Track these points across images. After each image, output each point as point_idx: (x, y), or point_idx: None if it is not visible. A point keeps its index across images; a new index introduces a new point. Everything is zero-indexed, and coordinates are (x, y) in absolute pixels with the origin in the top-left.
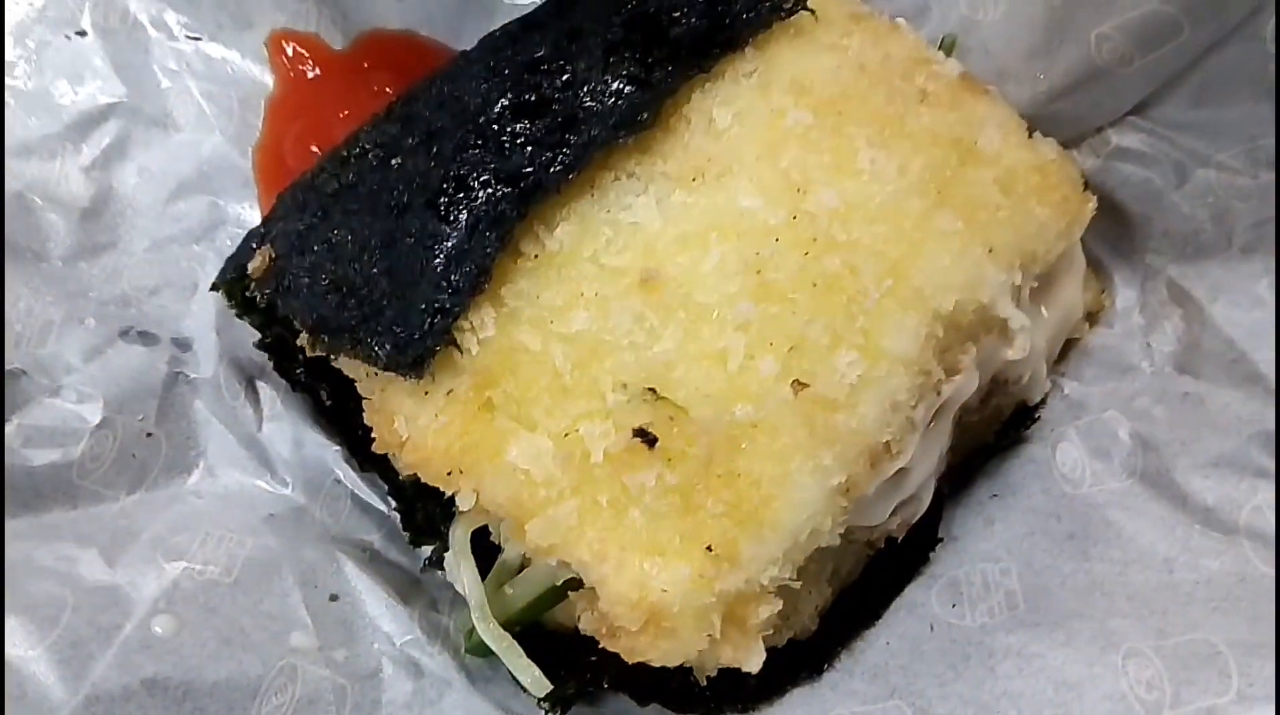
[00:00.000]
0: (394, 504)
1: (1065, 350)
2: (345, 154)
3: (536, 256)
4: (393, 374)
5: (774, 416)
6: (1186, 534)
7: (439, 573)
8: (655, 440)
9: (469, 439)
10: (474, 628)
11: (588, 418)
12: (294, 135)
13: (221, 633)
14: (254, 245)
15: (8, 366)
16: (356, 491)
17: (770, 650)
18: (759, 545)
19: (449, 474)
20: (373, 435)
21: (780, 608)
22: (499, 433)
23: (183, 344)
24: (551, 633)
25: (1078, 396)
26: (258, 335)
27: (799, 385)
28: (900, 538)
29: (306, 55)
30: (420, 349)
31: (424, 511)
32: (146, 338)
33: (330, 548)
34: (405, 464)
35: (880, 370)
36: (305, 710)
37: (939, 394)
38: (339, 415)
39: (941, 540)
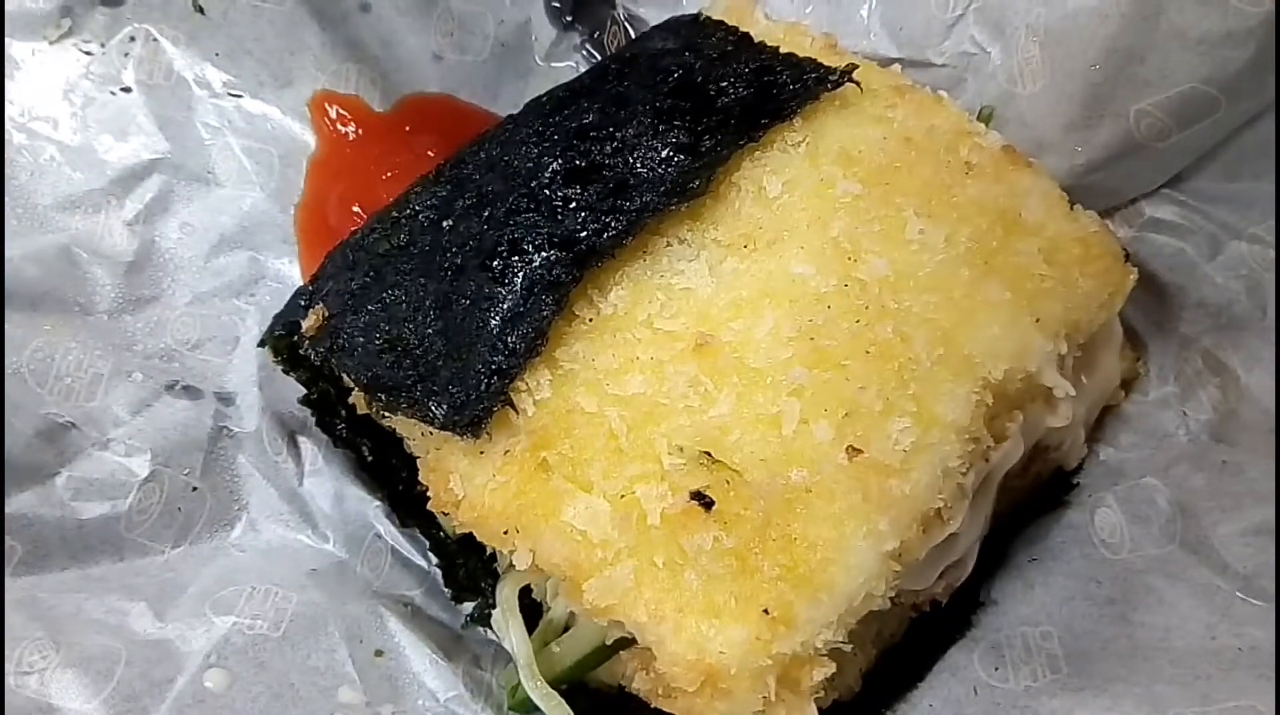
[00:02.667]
0: (434, 560)
1: (1101, 417)
2: (396, 215)
3: (591, 320)
4: (449, 434)
5: (829, 481)
6: (1227, 601)
7: (481, 630)
8: (712, 503)
9: (525, 499)
10: (518, 684)
11: (644, 480)
12: (337, 195)
13: (272, 688)
14: (303, 303)
15: (58, 418)
16: (397, 547)
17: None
18: (814, 608)
19: (505, 533)
20: (424, 491)
21: (834, 669)
22: (555, 493)
23: (226, 399)
24: (595, 691)
25: (1115, 463)
26: (298, 390)
27: (853, 451)
28: (945, 601)
29: (349, 116)
30: (477, 409)
31: (465, 568)
32: (191, 392)
33: (373, 603)
34: (462, 522)
35: (933, 437)
36: None
37: (987, 461)
38: (380, 471)
39: (982, 604)
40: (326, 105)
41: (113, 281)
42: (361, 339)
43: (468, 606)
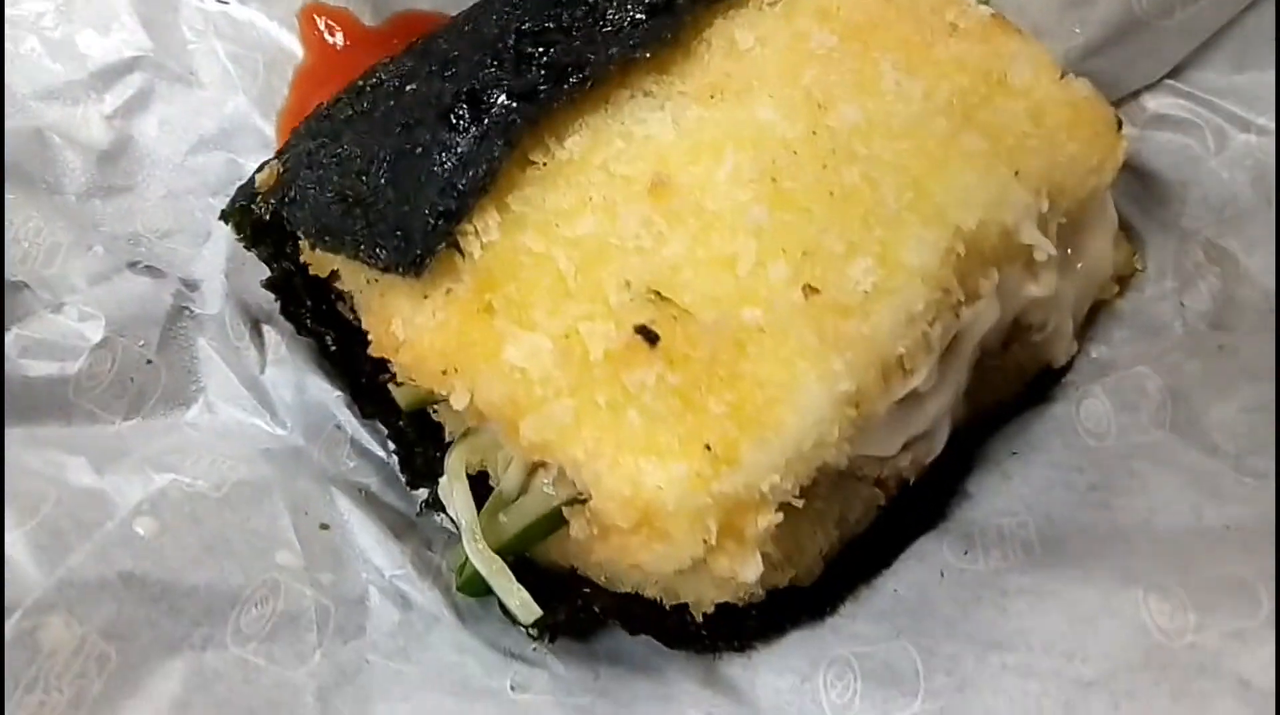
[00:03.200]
0: (393, 448)
1: (1094, 315)
2: (361, 84)
3: (545, 165)
4: (393, 277)
5: (782, 321)
6: (1216, 482)
7: (435, 517)
8: (657, 338)
9: (466, 338)
10: (465, 562)
11: (589, 319)
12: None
13: (205, 540)
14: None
15: (9, 278)
16: (356, 437)
17: (771, 593)
18: (761, 449)
19: (444, 373)
20: (386, 380)
21: (780, 520)
22: (497, 333)
23: (190, 284)
24: (544, 571)
25: (1106, 358)
26: (266, 284)
27: (810, 290)
28: (912, 479)
29: (338, 28)
30: (420, 249)
31: (423, 456)
32: (154, 272)
33: (325, 484)
34: (400, 365)
35: (897, 281)
36: (285, 625)
37: (958, 317)
38: (343, 361)
39: (957, 496)
40: (316, 16)
41: (84, 167)
42: (313, 191)
43: (424, 496)
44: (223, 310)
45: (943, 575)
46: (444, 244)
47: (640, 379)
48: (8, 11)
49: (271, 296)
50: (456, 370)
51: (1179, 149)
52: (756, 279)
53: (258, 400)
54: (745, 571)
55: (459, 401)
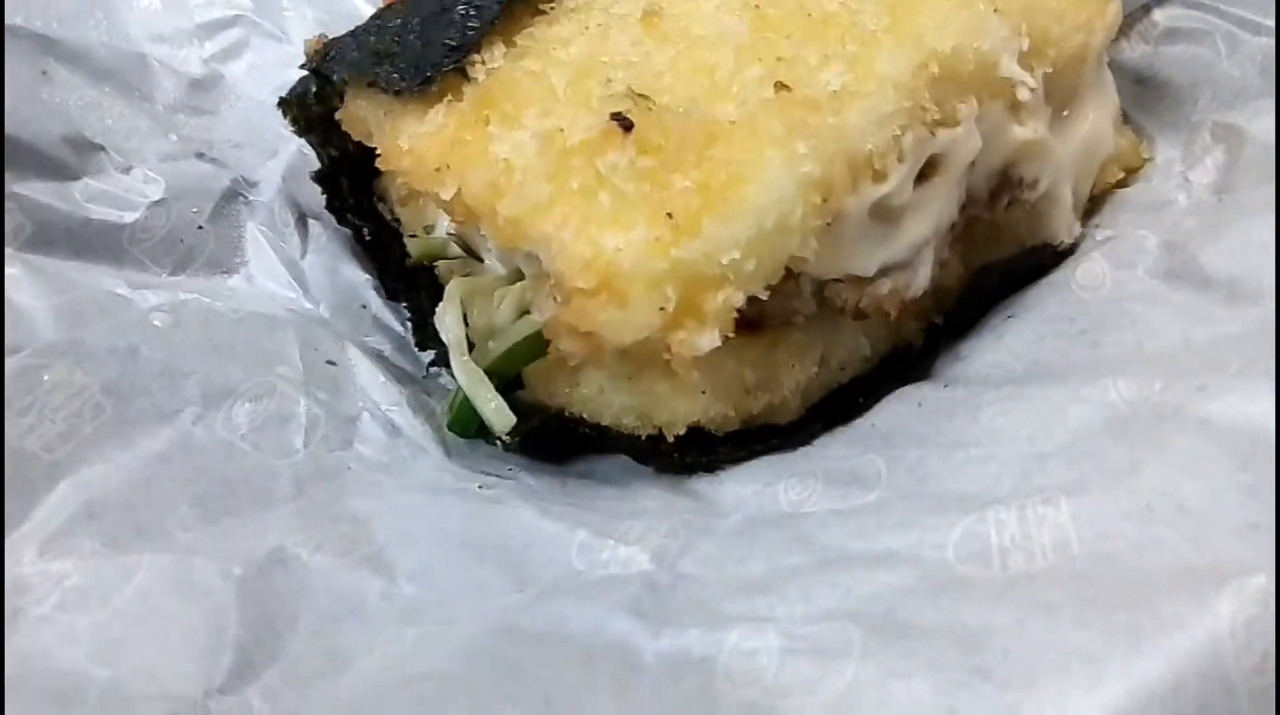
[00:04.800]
0: (409, 317)
1: (1100, 203)
2: None
3: (552, 8)
4: (405, 106)
5: (752, 113)
6: (1209, 310)
7: (439, 380)
8: (631, 126)
9: (460, 140)
10: (456, 397)
11: (573, 118)
12: None
13: (213, 341)
14: None
15: (90, 138)
16: (379, 316)
17: (746, 428)
18: (722, 222)
19: (437, 171)
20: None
21: (741, 300)
22: (488, 136)
23: (249, 181)
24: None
25: (1108, 236)
26: (315, 176)
27: (781, 87)
28: (894, 314)
29: None
30: (429, 70)
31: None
32: (218, 163)
33: (341, 339)
34: (402, 171)
35: (868, 86)
36: (275, 424)
37: (933, 135)
38: (376, 252)
39: (947, 355)
40: None
41: (175, 88)
42: (352, 52)
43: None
44: (273, 200)
45: (920, 405)
46: (450, 66)
47: (612, 162)
48: None
49: (319, 196)
50: (449, 167)
51: (1190, 57)
52: (731, 80)
53: (294, 278)
54: (701, 342)
55: (447, 193)
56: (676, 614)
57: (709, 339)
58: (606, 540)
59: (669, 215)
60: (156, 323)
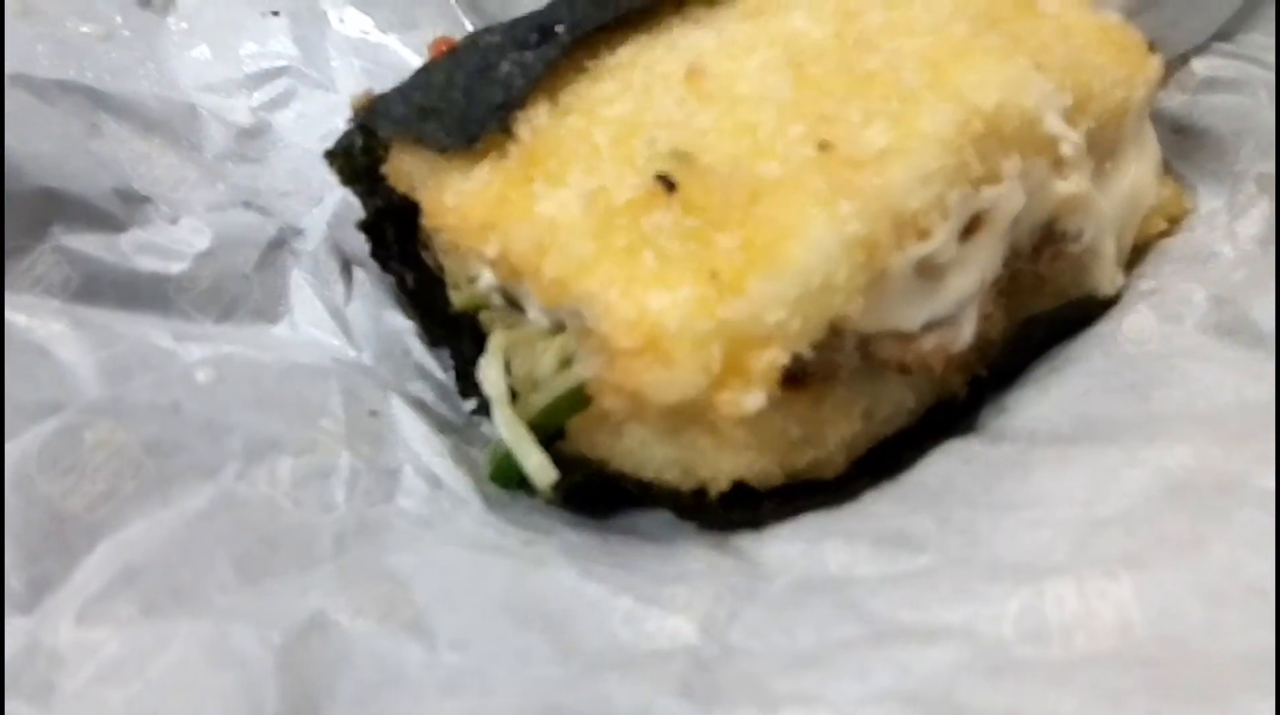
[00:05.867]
0: (452, 364)
1: (1143, 252)
2: (459, 44)
3: (595, 64)
4: (450, 163)
5: (796, 171)
6: (1262, 367)
7: (481, 428)
8: (675, 185)
9: (505, 198)
10: (497, 448)
11: (618, 178)
12: None
13: (256, 395)
14: None
15: (139, 189)
16: (421, 362)
17: (790, 483)
18: (768, 280)
19: (481, 228)
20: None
21: (786, 361)
22: (534, 195)
23: (295, 230)
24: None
25: (1153, 288)
26: (360, 226)
27: (825, 145)
28: (939, 369)
29: None
30: (475, 128)
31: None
32: (263, 212)
33: (384, 387)
34: (446, 228)
35: (911, 143)
36: (316, 478)
37: (977, 192)
38: (419, 299)
39: (990, 407)
40: (443, 47)
41: (225, 137)
42: (398, 107)
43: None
44: (318, 249)
45: (968, 462)
46: (496, 124)
47: (657, 222)
48: (188, 24)
49: (364, 244)
50: (494, 225)
51: (1232, 106)
52: (775, 139)
53: (339, 326)
54: (747, 403)
55: (492, 250)
56: (726, 693)
57: (754, 399)
58: (651, 607)
59: (714, 274)
60: (200, 377)
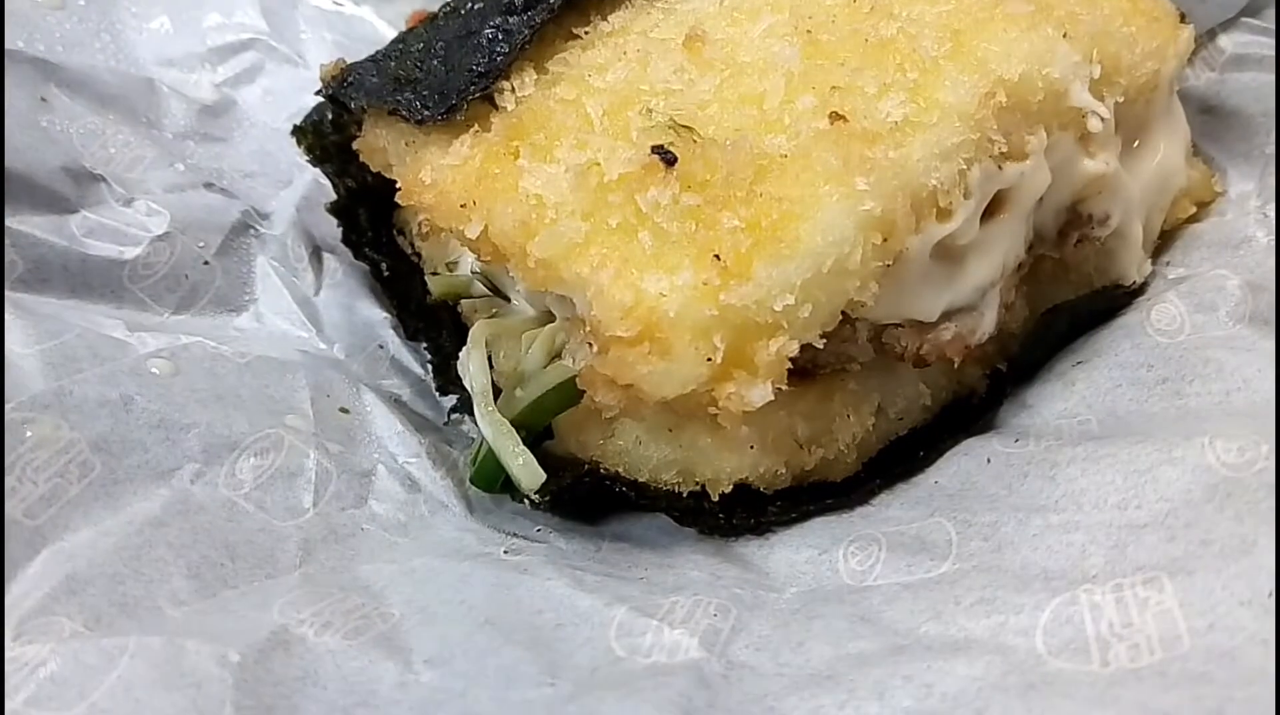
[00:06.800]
0: (430, 359)
1: (1172, 238)
2: (439, 9)
3: (587, 33)
4: (428, 136)
5: (806, 146)
6: None
7: (462, 427)
8: (674, 159)
9: (487, 173)
10: (480, 449)
11: (610, 150)
12: None
13: (216, 390)
14: None
15: (90, 168)
16: (398, 356)
17: (797, 486)
18: (775, 263)
19: (462, 207)
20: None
21: (795, 351)
22: (518, 169)
23: (261, 213)
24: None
25: (1182, 276)
26: (331, 208)
27: (837, 117)
28: (957, 362)
29: None
30: (455, 99)
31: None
32: (227, 194)
33: (356, 383)
34: (424, 207)
35: (930, 117)
36: (282, 480)
37: (1000, 168)
38: (395, 288)
39: (1014, 403)
40: (421, 19)
41: (186, 114)
42: (372, 77)
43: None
44: (286, 233)
45: (989, 461)
46: (477, 94)
47: (654, 198)
48: None
49: (335, 228)
50: (475, 202)
51: (1260, 85)
52: (782, 110)
53: (307, 317)
54: (752, 396)
55: (473, 230)
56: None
57: (760, 392)
58: (649, 620)
59: (716, 257)
60: (154, 370)
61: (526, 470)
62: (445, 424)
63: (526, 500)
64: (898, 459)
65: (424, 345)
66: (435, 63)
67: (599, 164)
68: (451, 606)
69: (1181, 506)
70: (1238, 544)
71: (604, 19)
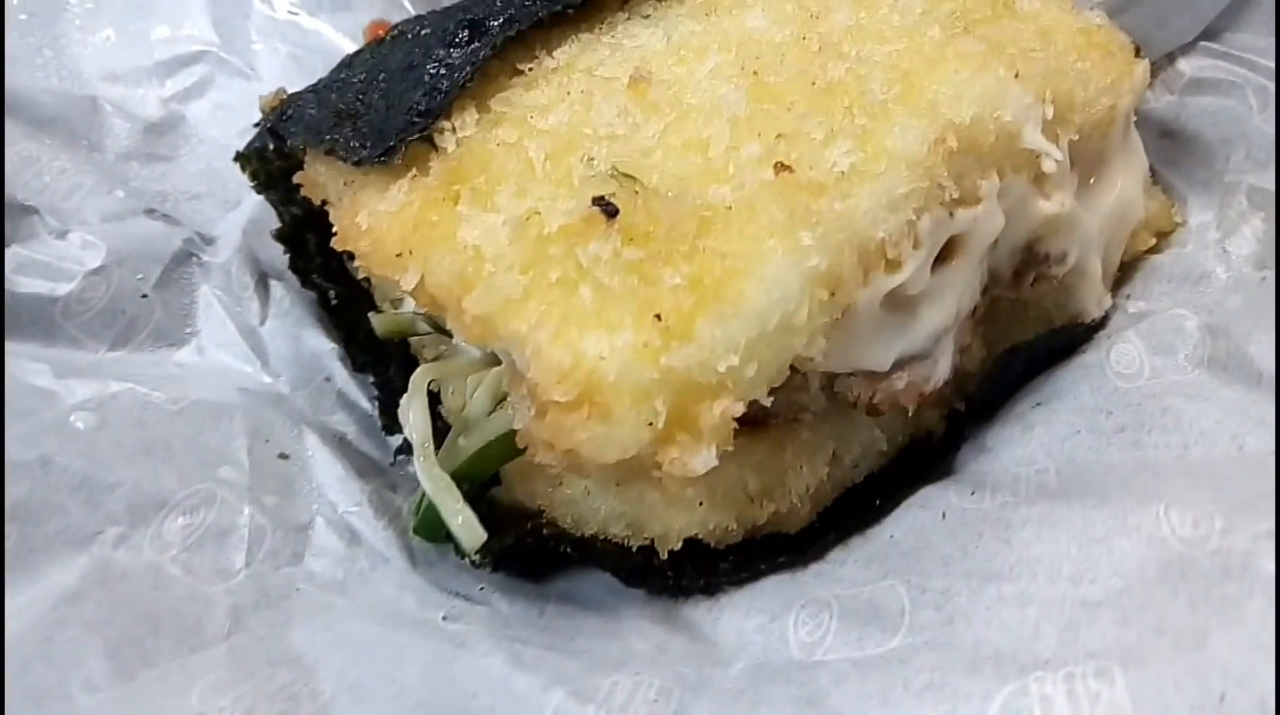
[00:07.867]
0: (376, 395)
1: (1131, 271)
2: (384, 35)
3: (530, 70)
4: (366, 177)
5: (750, 197)
6: (1262, 410)
7: (409, 467)
8: (616, 211)
9: (424, 220)
10: (423, 499)
11: (551, 199)
12: None
13: (144, 443)
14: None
15: (22, 201)
16: (344, 390)
17: (750, 539)
18: (718, 323)
19: (398, 256)
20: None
21: (740, 412)
22: (456, 217)
23: (206, 238)
24: (507, 514)
25: (1144, 311)
26: (277, 235)
27: (782, 168)
28: (911, 410)
29: None
30: (393, 139)
31: None
32: (169, 221)
33: (298, 423)
34: (360, 254)
35: (878, 164)
36: (214, 540)
37: (951, 216)
38: (343, 317)
39: (971, 448)
40: (379, 31)
41: (130, 134)
42: (311, 110)
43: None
44: (230, 260)
45: (944, 516)
46: (416, 135)
47: (595, 252)
48: (93, 3)
49: (283, 257)
50: (411, 252)
51: (1219, 109)
52: (727, 158)
53: (252, 348)
54: (695, 463)
55: (409, 281)
56: None
57: (704, 458)
58: (586, 706)
59: (658, 317)
60: (79, 424)
61: (466, 530)
62: (391, 464)
63: (469, 560)
64: (853, 509)
65: (371, 380)
66: (376, 96)
67: (539, 214)
68: (384, 685)
69: (1135, 584)
70: (1190, 636)
71: (549, 54)
